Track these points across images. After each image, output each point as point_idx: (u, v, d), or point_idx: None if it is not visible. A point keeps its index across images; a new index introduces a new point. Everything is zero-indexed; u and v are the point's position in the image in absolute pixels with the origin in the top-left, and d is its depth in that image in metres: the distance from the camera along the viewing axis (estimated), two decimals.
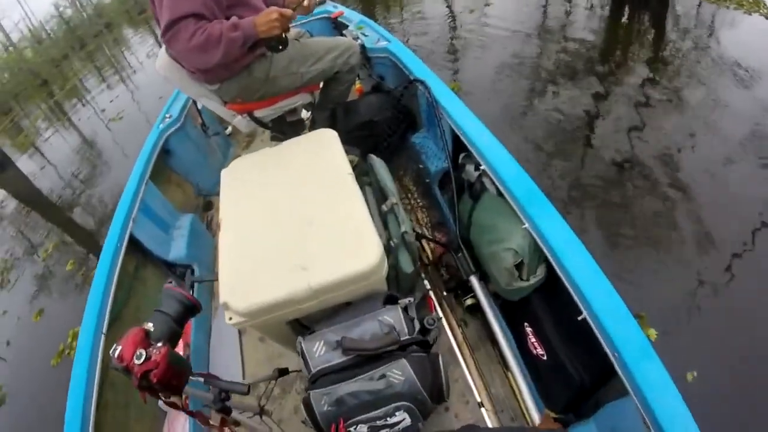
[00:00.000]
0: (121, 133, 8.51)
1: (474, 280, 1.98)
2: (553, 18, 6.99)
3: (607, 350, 1.26)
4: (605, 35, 6.49)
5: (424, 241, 2.26)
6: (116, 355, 1.05)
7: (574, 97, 5.09)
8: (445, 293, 2.08)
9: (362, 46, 2.70)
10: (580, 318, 1.35)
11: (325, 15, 3.35)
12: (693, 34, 6.55)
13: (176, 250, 2.50)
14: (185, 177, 3.08)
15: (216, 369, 2.19)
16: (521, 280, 1.70)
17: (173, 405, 1.13)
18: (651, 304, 2.88)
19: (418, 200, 2.52)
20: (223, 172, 1.85)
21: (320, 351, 1.37)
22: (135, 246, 2.29)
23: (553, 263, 1.48)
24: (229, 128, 3.69)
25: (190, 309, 1.22)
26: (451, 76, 5.80)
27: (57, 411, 1.68)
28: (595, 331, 1.30)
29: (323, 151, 1.76)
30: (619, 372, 1.21)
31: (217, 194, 1.76)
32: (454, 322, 1.98)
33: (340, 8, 3.33)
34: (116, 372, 1.05)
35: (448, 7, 7.77)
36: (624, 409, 1.25)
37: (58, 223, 6.71)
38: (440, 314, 1.96)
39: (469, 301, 2.02)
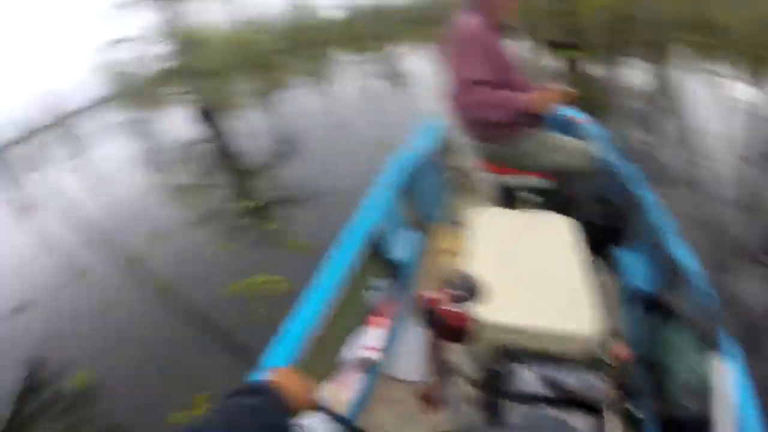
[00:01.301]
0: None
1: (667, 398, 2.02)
2: None
3: None
4: None
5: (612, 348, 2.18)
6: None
7: None
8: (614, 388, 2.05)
9: (597, 154, 2.91)
10: None
11: (573, 117, 3.77)
12: None
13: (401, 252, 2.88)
14: (417, 199, 3.51)
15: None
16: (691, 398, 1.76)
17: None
18: None
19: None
20: (473, 212, 2.35)
21: (525, 377, 1.66)
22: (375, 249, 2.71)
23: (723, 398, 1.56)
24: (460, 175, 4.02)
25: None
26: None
27: None
28: None
29: (557, 229, 2.15)
30: None
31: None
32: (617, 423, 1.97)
33: (581, 115, 3.78)
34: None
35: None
36: None
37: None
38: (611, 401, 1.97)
39: (639, 415, 1.98)
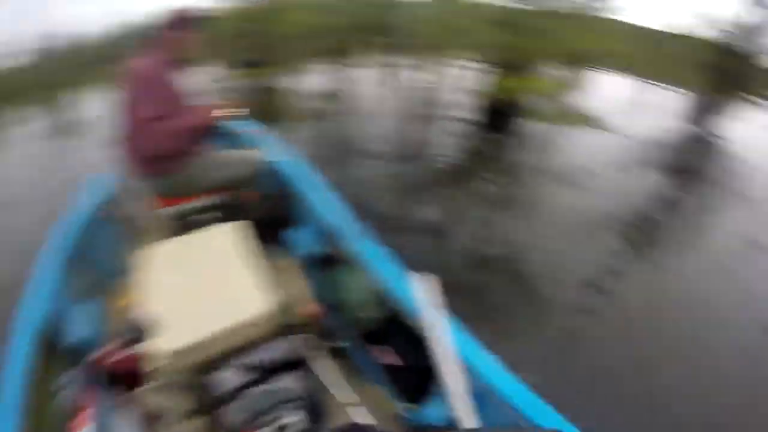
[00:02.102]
0: None
1: (347, 330, 2.54)
2: (424, 140, 8.56)
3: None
4: (467, 157, 8.20)
5: (303, 307, 2.71)
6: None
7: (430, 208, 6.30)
8: (319, 340, 2.54)
9: (263, 157, 3.27)
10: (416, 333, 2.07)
11: (240, 130, 3.98)
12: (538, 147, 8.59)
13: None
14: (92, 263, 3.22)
15: None
16: (377, 314, 2.35)
17: None
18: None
19: (298, 278, 3.03)
20: (139, 255, 2.35)
21: (227, 375, 1.85)
22: None
23: (398, 302, 2.16)
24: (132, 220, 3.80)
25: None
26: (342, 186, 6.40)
27: None
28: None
29: (224, 236, 2.37)
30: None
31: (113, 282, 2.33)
32: (328, 362, 2.46)
33: (248, 124, 4.00)
34: None
35: (341, 135, 9.02)
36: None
37: None
38: (315, 354, 2.41)
39: (339, 344, 2.50)
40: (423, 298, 1.86)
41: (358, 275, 2.39)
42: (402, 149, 7.96)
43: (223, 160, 2.99)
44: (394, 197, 6.42)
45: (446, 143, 8.53)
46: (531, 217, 6.18)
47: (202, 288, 2.05)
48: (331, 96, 10.45)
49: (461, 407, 1.18)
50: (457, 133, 9.09)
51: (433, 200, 6.39)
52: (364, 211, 5.47)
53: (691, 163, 9.59)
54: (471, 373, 1.80)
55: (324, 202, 2.82)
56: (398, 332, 2.26)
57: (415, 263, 4.03)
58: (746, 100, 14.74)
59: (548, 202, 6.63)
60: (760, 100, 14.72)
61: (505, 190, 6.97)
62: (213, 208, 3.17)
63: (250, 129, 4.03)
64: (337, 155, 7.57)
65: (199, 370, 1.88)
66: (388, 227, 5.40)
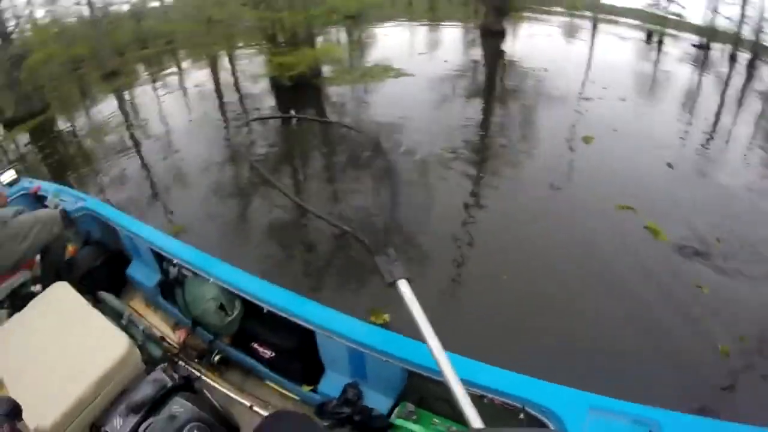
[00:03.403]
0: None
1: (217, 342, 2.62)
2: (236, 145, 8.04)
3: (305, 324, 2.03)
4: (283, 142, 7.95)
5: (168, 336, 2.78)
6: None
7: (276, 200, 5.99)
8: (196, 360, 2.65)
9: (64, 211, 3.06)
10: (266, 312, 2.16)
11: (24, 192, 3.61)
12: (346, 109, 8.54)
13: None
14: None
15: None
16: (228, 315, 2.40)
17: None
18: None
19: (153, 311, 3.10)
20: None
21: (119, 423, 1.79)
22: None
23: (244, 294, 2.24)
24: None
25: None
26: (167, 217, 6.04)
27: None
28: (290, 317, 2.04)
29: (60, 296, 2.29)
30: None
31: None
32: (213, 375, 2.58)
33: (36, 183, 3.64)
34: None
35: (143, 162, 8.02)
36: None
37: None
38: (198, 374, 2.50)
39: (216, 357, 2.61)
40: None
41: (203, 287, 2.46)
42: (220, 155, 7.60)
43: (20, 229, 2.64)
44: (230, 201, 6.22)
45: (257, 134, 8.28)
46: (370, 176, 6.02)
47: (55, 356, 2.00)
48: (121, 125, 9.52)
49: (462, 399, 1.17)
50: (263, 121, 9.06)
51: (269, 194, 6.20)
52: (207, 219, 5.64)
53: (492, 83, 10.68)
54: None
55: (145, 231, 2.84)
56: (261, 324, 2.39)
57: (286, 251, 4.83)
58: (524, 18, 16.93)
59: (382, 157, 6.55)
60: (535, 15, 16.93)
61: (334, 160, 7.02)
62: (33, 279, 2.89)
63: (35, 187, 3.66)
64: (154, 182, 6.95)
65: (89, 430, 1.88)
66: (237, 229, 5.56)
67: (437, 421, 1.95)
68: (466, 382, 1.32)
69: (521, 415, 1.61)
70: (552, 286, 4.33)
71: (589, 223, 5.10)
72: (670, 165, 6.47)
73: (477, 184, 6.07)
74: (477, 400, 1.47)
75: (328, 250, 4.92)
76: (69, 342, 2.05)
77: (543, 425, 1.57)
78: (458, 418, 1.82)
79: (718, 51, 14.81)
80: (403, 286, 1.45)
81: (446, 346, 1.19)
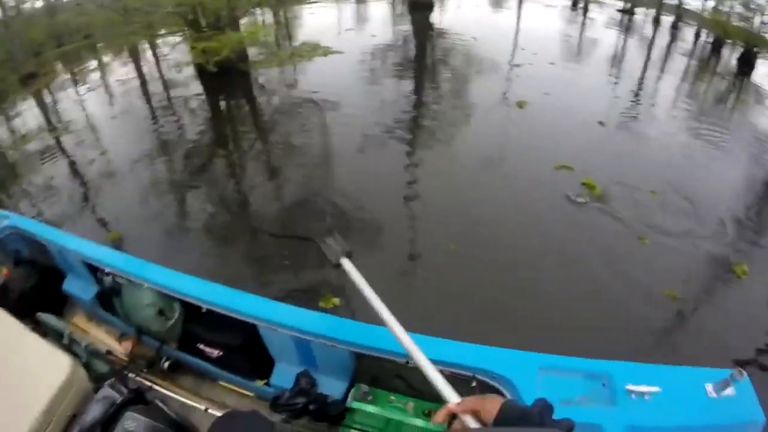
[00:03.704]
0: None
1: (164, 348, 2.60)
2: (165, 135, 7.98)
3: (245, 318, 2.05)
4: (213, 131, 7.88)
5: (114, 349, 2.78)
6: None
7: (213, 190, 6.15)
8: (146, 370, 2.61)
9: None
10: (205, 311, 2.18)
11: None
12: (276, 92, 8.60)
13: None
14: None
15: None
16: (168, 319, 2.39)
17: None
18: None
19: (96, 324, 3.07)
20: None
21: None
22: None
23: (180, 296, 2.25)
24: None
25: None
26: (101, 224, 5.89)
27: None
28: (229, 313, 2.07)
29: None
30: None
31: None
32: (166, 383, 2.55)
33: None
34: None
35: (71, 168, 7.73)
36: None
37: None
38: (149, 384, 2.47)
39: (166, 364, 2.57)
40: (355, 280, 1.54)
41: (139, 293, 2.42)
42: (148, 150, 7.44)
43: None
44: (165, 198, 6.17)
45: (188, 123, 8.21)
46: (310, 156, 6.37)
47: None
48: (43, 131, 9.11)
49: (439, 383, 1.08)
50: (192, 110, 8.76)
51: (207, 181, 6.35)
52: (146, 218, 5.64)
53: (423, 55, 10.84)
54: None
55: (74, 243, 2.76)
56: (203, 324, 2.40)
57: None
58: None
59: (318, 138, 6.87)
60: None
61: (269, 142, 7.10)
62: None
63: None
64: (84, 188, 6.76)
65: None
66: (176, 228, 5.49)
67: (393, 398, 1.97)
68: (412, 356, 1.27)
69: (473, 383, 1.65)
70: (499, 251, 4.54)
71: (529, 184, 5.42)
72: (601, 123, 6.90)
73: (414, 156, 6.27)
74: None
75: (272, 240, 4.97)
76: (9, 373, 1.97)
77: (496, 391, 1.61)
78: (413, 393, 2.00)
79: (642, 15, 15.45)
80: (347, 265, 1.48)
81: (401, 322, 1.19)
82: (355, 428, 1.95)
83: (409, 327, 1.19)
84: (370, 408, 1.93)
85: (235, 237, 5.15)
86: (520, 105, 7.44)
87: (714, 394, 1.33)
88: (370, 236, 4.71)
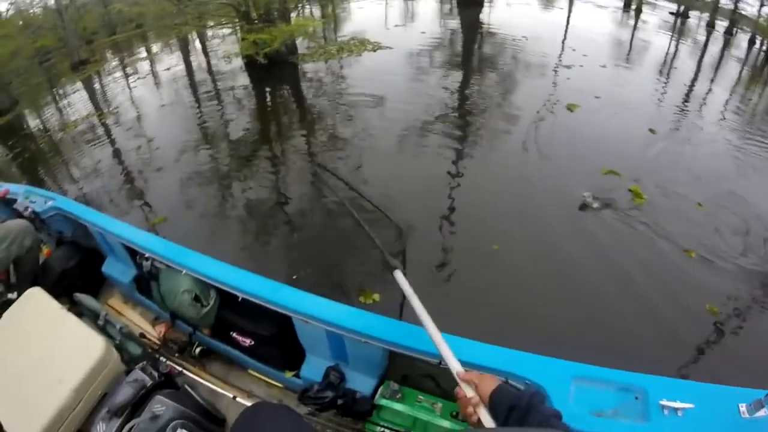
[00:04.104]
0: None
1: (197, 334, 2.62)
2: (211, 125, 7.93)
3: (280, 309, 1.98)
4: (259, 122, 7.81)
5: (148, 332, 2.80)
6: None
7: (257, 181, 6.01)
8: (177, 354, 2.65)
9: (34, 213, 3.10)
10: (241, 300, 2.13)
11: None
12: (323, 86, 8.47)
13: None
14: None
15: None
16: (204, 306, 2.38)
17: None
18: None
19: (132, 307, 3.13)
20: None
21: (102, 429, 1.78)
22: None
23: (217, 284, 2.22)
24: None
25: None
26: (146, 209, 5.89)
27: None
28: (265, 304, 2.01)
29: (34, 303, 2.29)
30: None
31: None
32: (195, 369, 2.57)
33: (4, 186, 3.54)
34: None
35: (117, 154, 7.75)
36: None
37: None
38: (180, 369, 2.48)
39: (197, 350, 2.60)
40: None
41: (176, 279, 2.44)
42: (194, 138, 7.43)
43: None
44: (210, 186, 6.08)
45: (235, 114, 8.11)
46: (359, 148, 6.25)
47: (33, 366, 2.00)
48: (92, 116, 9.21)
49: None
50: (239, 101, 8.67)
51: (256, 173, 6.20)
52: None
53: (471, 53, 10.52)
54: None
55: (115, 227, 2.78)
56: (238, 313, 2.37)
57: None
58: None
59: (366, 129, 6.69)
60: None
61: (319, 134, 6.89)
62: (9, 286, 2.85)
63: (2, 191, 3.51)
64: (130, 174, 6.76)
65: None
66: (220, 215, 5.40)
67: (422, 398, 1.95)
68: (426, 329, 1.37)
69: None
70: (538, 254, 4.32)
71: (577, 189, 5.07)
72: (652, 130, 6.49)
73: (459, 156, 6.00)
74: None
75: (315, 232, 4.86)
76: (45, 350, 2.04)
77: None
78: (443, 393, 1.98)
79: (696, 19, 14.72)
80: (398, 275, 1.58)
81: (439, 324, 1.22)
82: (381, 425, 1.95)
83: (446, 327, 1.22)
84: (398, 406, 1.91)
85: (276, 227, 5.06)
86: (570, 108, 7.08)
87: (747, 415, 1.30)
88: (410, 229, 4.55)
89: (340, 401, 1.95)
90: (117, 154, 7.41)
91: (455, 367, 1.15)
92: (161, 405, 1.81)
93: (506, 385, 1.06)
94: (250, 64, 9.52)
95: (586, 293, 3.91)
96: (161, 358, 2.44)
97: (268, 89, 8.92)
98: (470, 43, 11.45)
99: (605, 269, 4.16)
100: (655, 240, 4.45)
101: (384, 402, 1.92)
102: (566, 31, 12.09)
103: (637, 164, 5.58)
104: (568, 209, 4.84)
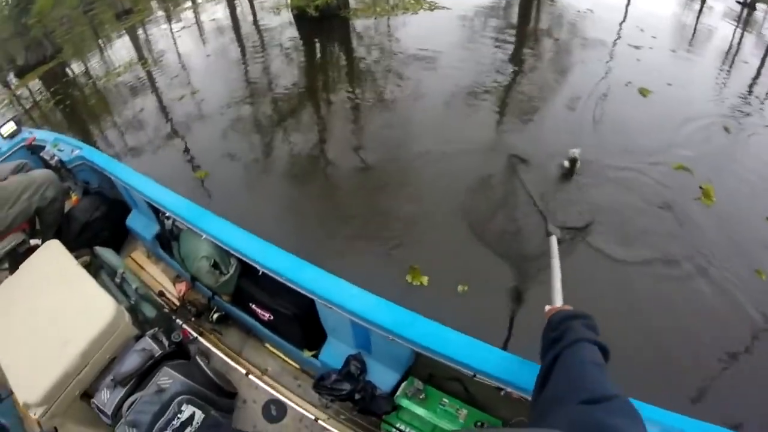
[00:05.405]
0: None
1: (216, 299, 2.56)
2: (256, 79, 7.70)
3: (302, 291, 1.89)
4: (306, 77, 7.57)
5: (168, 289, 2.80)
6: None
7: (301, 132, 5.91)
8: (193, 318, 2.62)
9: (60, 161, 3.13)
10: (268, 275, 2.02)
11: (23, 144, 3.54)
12: (374, 43, 8.21)
13: None
14: None
15: None
16: (223, 274, 2.30)
17: None
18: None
19: (155, 262, 3.13)
20: None
21: (106, 396, 1.76)
22: None
23: (238, 255, 2.14)
24: None
25: None
26: (187, 162, 5.75)
27: None
28: (286, 282, 1.93)
29: (50, 257, 2.27)
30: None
31: None
32: (211, 337, 2.56)
33: (33, 133, 3.55)
34: None
35: (159, 99, 7.72)
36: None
37: None
38: (195, 335, 2.45)
39: (215, 316, 2.59)
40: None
41: (196, 243, 2.36)
42: (240, 93, 7.17)
43: (10, 194, 2.62)
44: (255, 144, 5.94)
45: (281, 68, 7.87)
46: (407, 110, 5.98)
47: (43, 323, 1.99)
48: (136, 65, 9.15)
49: None
50: (287, 54, 8.36)
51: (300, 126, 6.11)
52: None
53: (528, 19, 9.79)
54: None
55: (138, 182, 2.73)
56: (259, 285, 2.25)
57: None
58: None
59: (418, 92, 6.35)
60: None
61: (367, 94, 6.62)
62: (33, 233, 2.92)
63: (30, 138, 3.54)
64: (174, 125, 6.70)
65: (78, 400, 1.88)
66: (263, 175, 5.26)
67: (446, 401, 1.85)
68: (485, 374, 1.47)
69: (502, 393, 1.56)
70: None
71: (652, 179, 4.73)
72: (726, 129, 5.79)
73: (508, 126, 5.63)
74: (494, 392, 1.55)
75: (360, 195, 4.68)
76: (56, 308, 2.03)
77: None
78: (470, 399, 1.87)
79: (762, 12, 13.46)
80: (553, 240, 1.73)
81: None
82: (397, 427, 1.85)
83: None
84: (419, 410, 1.82)
85: (318, 188, 4.92)
86: (643, 93, 6.38)
87: None
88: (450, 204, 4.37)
89: (357, 396, 1.87)
90: (160, 102, 7.30)
91: (555, 298, 1.42)
92: (168, 377, 1.78)
93: (567, 311, 1.15)
94: (299, 18, 9.15)
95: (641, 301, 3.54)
96: (177, 320, 2.46)
97: (316, 44, 8.58)
98: (529, 10, 10.65)
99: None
100: (722, 246, 3.98)
101: (405, 403, 1.85)
102: (630, 9, 11.12)
103: (709, 162, 5.02)
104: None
